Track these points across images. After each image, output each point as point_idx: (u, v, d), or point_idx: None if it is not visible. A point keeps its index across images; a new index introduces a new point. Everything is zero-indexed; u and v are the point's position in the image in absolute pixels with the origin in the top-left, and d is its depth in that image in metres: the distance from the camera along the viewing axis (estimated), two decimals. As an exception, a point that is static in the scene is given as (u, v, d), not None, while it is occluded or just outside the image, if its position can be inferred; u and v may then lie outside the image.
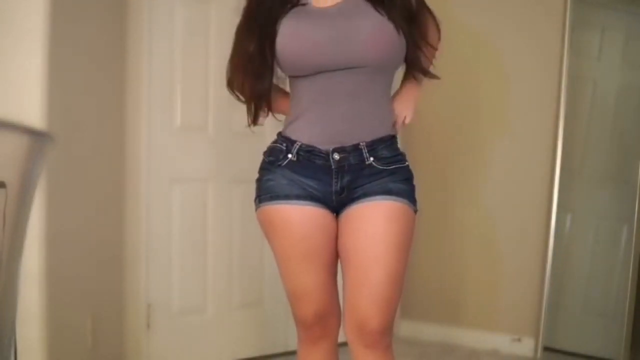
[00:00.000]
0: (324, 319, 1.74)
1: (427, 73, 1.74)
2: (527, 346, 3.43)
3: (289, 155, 1.69)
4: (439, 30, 1.79)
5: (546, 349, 3.43)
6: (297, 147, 1.68)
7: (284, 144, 1.71)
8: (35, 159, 0.86)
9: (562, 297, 3.52)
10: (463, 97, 3.62)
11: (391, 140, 1.72)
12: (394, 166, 1.69)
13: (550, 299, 3.40)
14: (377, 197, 1.65)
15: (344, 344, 1.71)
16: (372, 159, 1.67)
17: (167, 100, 2.94)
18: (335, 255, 1.72)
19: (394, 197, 1.65)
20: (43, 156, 0.88)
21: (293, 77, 1.70)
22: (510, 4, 3.51)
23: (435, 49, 1.79)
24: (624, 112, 3.49)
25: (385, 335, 1.65)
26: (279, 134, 1.75)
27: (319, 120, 1.67)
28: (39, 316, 2.32)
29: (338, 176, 1.67)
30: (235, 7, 1.74)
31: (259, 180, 1.75)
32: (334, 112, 1.65)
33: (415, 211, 1.71)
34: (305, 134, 1.68)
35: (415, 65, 1.70)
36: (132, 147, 2.86)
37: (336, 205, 1.70)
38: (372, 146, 1.67)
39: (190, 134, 3.02)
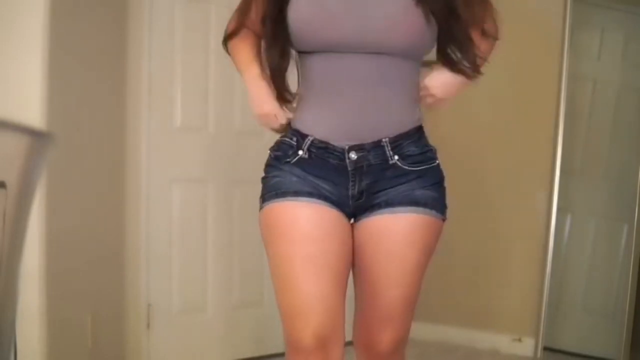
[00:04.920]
0: (325, 344, 1.40)
1: (458, 69, 1.49)
2: (527, 346, 3.43)
3: (300, 152, 1.47)
4: (494, 19, 1.58)
5: (546, 349, 3.43)
6: (309, 142, 1.46)
7: (294, 138, 1.48)
8: (35, 159, 0.86)
9: (562, 297, 3.52)
10: (462, 96, 3.61)
11: (418, 133, 1.50)
12: (422, 167, 1.48)
13: (550, 299, 3.40)
14: (401, 208, 1.44)
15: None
16: (396, 157, 1.45)
17: (167, 100, 2.94)
18: (346, 265, 1.47)
19: (420, 209, 1.45)
20: (43, 156, 0.88)
21: (302, 54, 1.47)
22: (510, 4, 3.50)
23: (490, 38, 1.59)
24: (624, 112, 3.49)
25: (396, 354, 1.53)
26: (289, 126, 1.53)
27: (333, 111, 1.45)
28: (39, 316, 2.31)
29: (355, 178, 1.46)
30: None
31: (264, 179, 1.52)
32: (350, 102, 1.43)
33: (444, 219, 1.51)
34: (318, 127, 1.46)
35: (446, 58, 1.47)
36: (132, 147, 2.86)
37: (353, 210, 1.49)
38: (397, 142, 1.45)
39: (190, 134, 3.02)
